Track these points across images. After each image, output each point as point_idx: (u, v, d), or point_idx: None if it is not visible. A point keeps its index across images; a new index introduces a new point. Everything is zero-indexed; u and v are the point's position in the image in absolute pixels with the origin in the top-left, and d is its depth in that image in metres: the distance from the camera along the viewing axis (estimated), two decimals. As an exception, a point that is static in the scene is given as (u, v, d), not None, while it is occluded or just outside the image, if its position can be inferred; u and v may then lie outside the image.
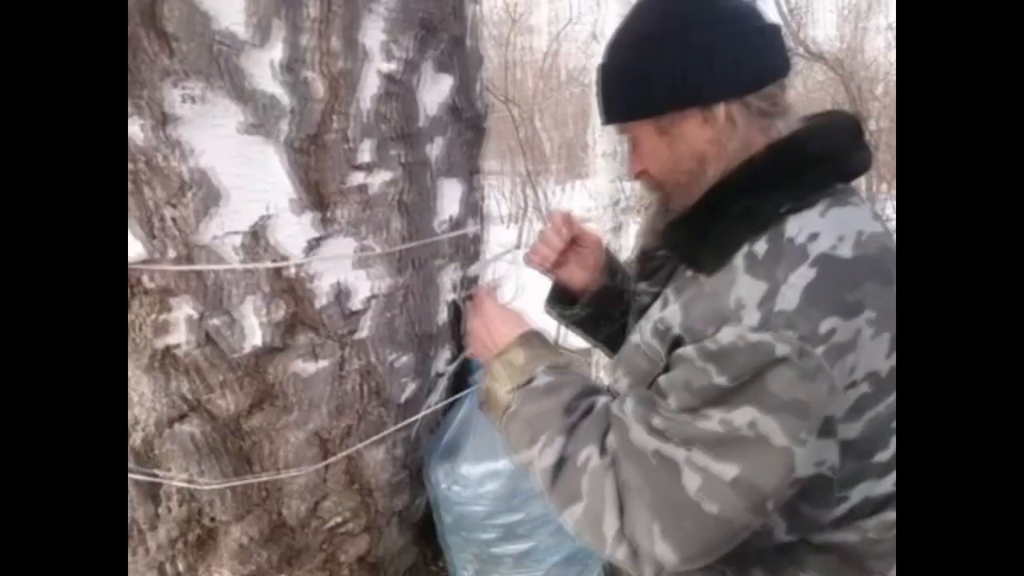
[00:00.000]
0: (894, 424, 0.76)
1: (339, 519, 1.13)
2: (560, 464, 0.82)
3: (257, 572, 1.13)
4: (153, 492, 1.08)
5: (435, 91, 0.87)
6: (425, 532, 1.35)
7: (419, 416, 1.10)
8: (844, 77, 2.27)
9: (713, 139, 0.79)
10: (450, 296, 1.10)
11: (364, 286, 0.90)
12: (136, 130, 0.70)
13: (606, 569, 1.08)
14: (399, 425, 1.05)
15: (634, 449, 0.77)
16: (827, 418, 0.71)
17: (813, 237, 0.73)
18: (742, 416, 0.70)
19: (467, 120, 0.96)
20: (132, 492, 1.09)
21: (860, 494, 0.77)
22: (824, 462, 0.74)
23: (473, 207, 1.07)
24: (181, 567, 1.14)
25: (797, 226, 0.74)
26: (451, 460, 1.09)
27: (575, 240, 1.09)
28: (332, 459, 1.03)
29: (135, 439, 1.03)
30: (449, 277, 1.07)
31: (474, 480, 1.07)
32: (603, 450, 0.81)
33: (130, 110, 0.69)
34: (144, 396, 0.95)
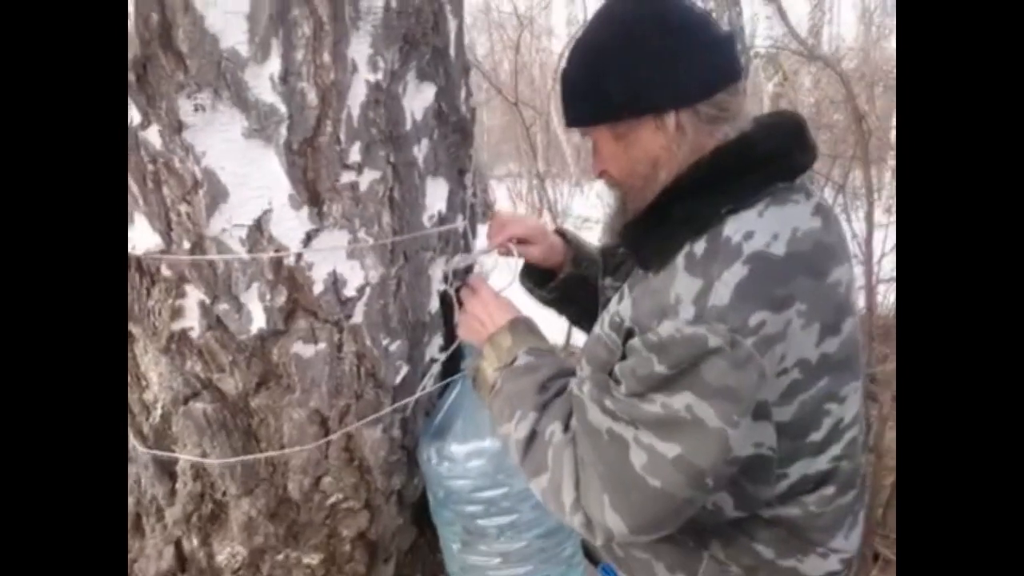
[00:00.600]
0: (826, 406, 0.82)
1: (340, 495, 1.21)
2: (531, 438, 0.90)
3: (264, 546, 1.22)
4: (170, 468, 1.18)
5: (419, 98, 0.97)
6: (424, 515, 1.43)
7: (414, 398, 1.19)
8: (844, 78, 2.32)
9: (665, 144, 0.85)
10: (441, 287, 1.18)
11: (357, 275, 1.00)
12: (155, 136, 0.81)
13: (584, 542, 1.16)
14: (395, 405, 1.14)
15: (590, 427, 0.84)
16: (761, 402, 0.77)
17: (748, 236, 0.77)
18: (680, 400, 0.75)
19: (452, 124, 1.06)
20: (151, 469, 1.19)
21: (798, 471, 0.84)
22: (762, 443, 0.81)
23: (461, 204, 1.16)
24: (196, 541, 1.24)
25: (735, 226, 0.78)
26: (441, 439, 1.18)
27: (524, 239, 1.17)
28: (332, 436, 1.12)
29: (154, 417, 1.13)
30: (439, 269, 1.16)
31: (461, 457, 1.15)
32: (567, 427, 0.88)
33: (150, 119, 0.79)
34: (162, 376, 1.06)
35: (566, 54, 0.94)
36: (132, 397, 1.12)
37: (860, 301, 0.94)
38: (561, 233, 1.25)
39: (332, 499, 1.21)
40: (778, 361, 0.76)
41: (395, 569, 1.41)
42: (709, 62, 0.84)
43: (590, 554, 1.12)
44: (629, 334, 0.83)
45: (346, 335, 1.04)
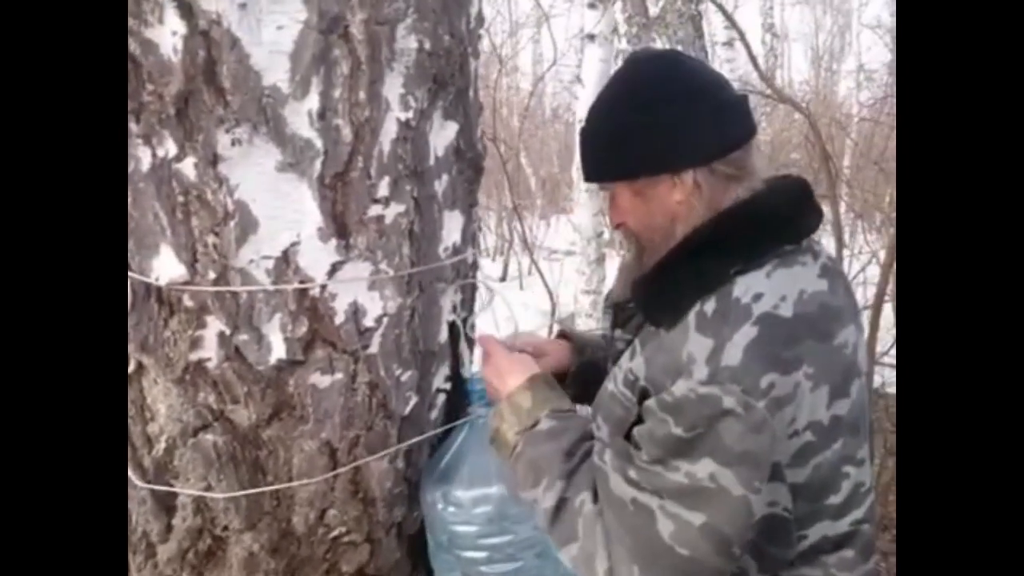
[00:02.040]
0: (844, 468, 0.83)
1: (343, 528, 1.20)
2: (559, 506, 0.90)
3: (264, 582, 1.20)
4: (168, 504, 1.16)
5: (443, 135, 1.00)
6: (419, 548, 1.42)
7: (425, 436, 1.19)
8: (811, 119, 2.45)
9: (682, 200, 0.88)
10: (450, 317, 1.20)
11: (377, 306, 1.01)
12: (189, 168, 0.82)
13: None
14: (410, 441, 1.15)
15: (614, 498, 0.84)
16: (774, 464, 0.78)
17: (757, 297, 0.80)
18: (703, 468, 0.77)
19: (468, 160, 1.09)
20: (148, 504, 1.16)
21: (818, 533, 0.85)
22: (777, 503, 0.82)
23: (472, 236, 1.19)
24: (187, 579, 1.21)
25: (744, 287, 0.81)
26: (447, 483, 1.17)
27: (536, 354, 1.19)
28: (342, 468, 1.11)
29: (157, 450, 1.11)
30: (450, 299, 1.18)
31: (467, 503, 1.14)
32: (596, 496, 0.89)
33: (186, 151, 0.81)
34: (172, 408, 1.04)
35: (588, 112, 0.98)
36: (135, 430, 1.10)
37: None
38: (562, 334, 1.28)
39: (335, 532, 1.20)
40: (788, 423, 0.78)
41: (388, 605, 1.39)
42: (725, 123, 0.88)
43: None
44: (644, 394, 0.85)
45: (360, 365, 1.05)
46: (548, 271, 4.30)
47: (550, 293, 3.88)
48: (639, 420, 0.85)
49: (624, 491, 0.83)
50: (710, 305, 0.81)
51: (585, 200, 3.77)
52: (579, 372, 1.20)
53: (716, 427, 0.76)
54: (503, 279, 7.18)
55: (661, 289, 0.87)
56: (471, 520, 1.14)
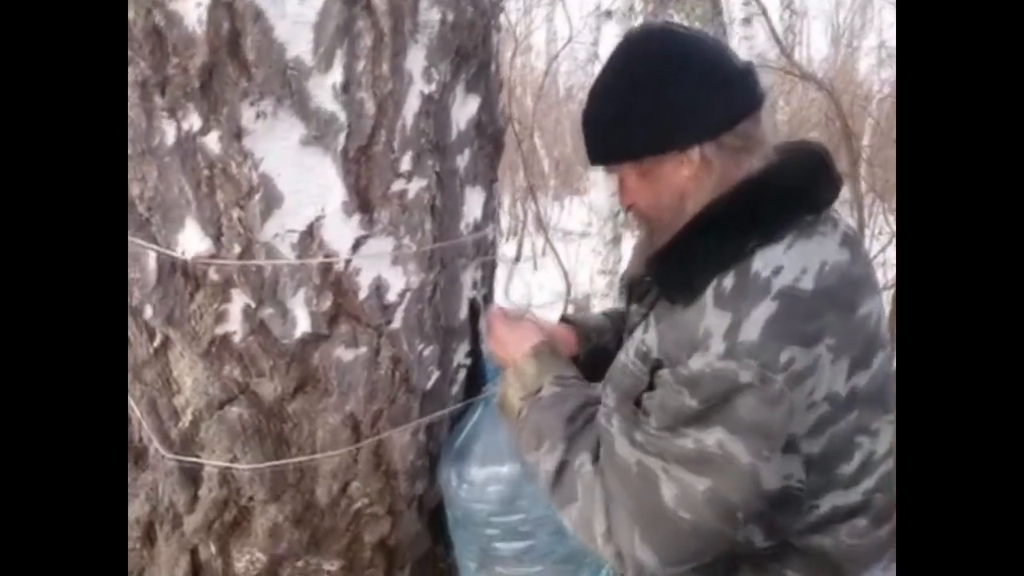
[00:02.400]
0: (857, 439, 0.82)
1: (365, 500, 1.21)
2: (560, 469, 0.92)
3: (287, 552, 1.22)
4: (194, 475, 1.18)
5: (465, 109, 1.00)
6: (439, 522, 1.44)
7: (447, 411, 1.20)
8: (834, 96, 2.39)
9: (691, 177, 0.85)
10: (471, 293, 1.21)
11: (399, 281, 1.02)
12: (214, 142, 0.82)
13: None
14: (431, 416, 1.16)
15: (618, 461, 0.84)
16: (790, 437, 0.77)
17: (777, 271, 0.78)
18: (712, 436, 0.76)
19: (489, 135, 1.09)
20: (175, 476, 1.19)
21: (829, 503, 0.83)
22: (791, 476, 0.80)
23: (492, 213, 1.19)
24: (214, 549, 1.23)
25: (763, 261, 0.79)
26: (461, 462, 1.19)
27: None
28: (365, 441, 1.13)
29: (184, 422, 1.13)
30: (470, 276, 1.19)
31: (480, 481, 1.15)
32: (596, 458, 0.89)
33: (210, 125, 0.81)
34: (198, 381, 1.06)
35: (588, 95, 0.94)
36: (161, 402, 1.11)
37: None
38: (565, 320, 1.27)
39: (357, 504, 1.22)
40: (807, 396, 0.77)
41: (408, 578, 1.41)
42: (729, 94, 0.85)
43: None
44: (657, 365, 0.84)
45: (384, 340, 1.06)
46: (563, 252, 4.28)
47: (565, 273, 3.87)
48: (649, 390, 0.85)
49: (629, 454, 0.83)
50: (728, 280, 0.80)
51: (601, 180, 3.75)
52: (588, 359, 1.19)
53: (732, 401, 0.75)
54: (517, 260, 7.17)
55: (677, 265, 0.85)
56: (484, 498, 1.15)
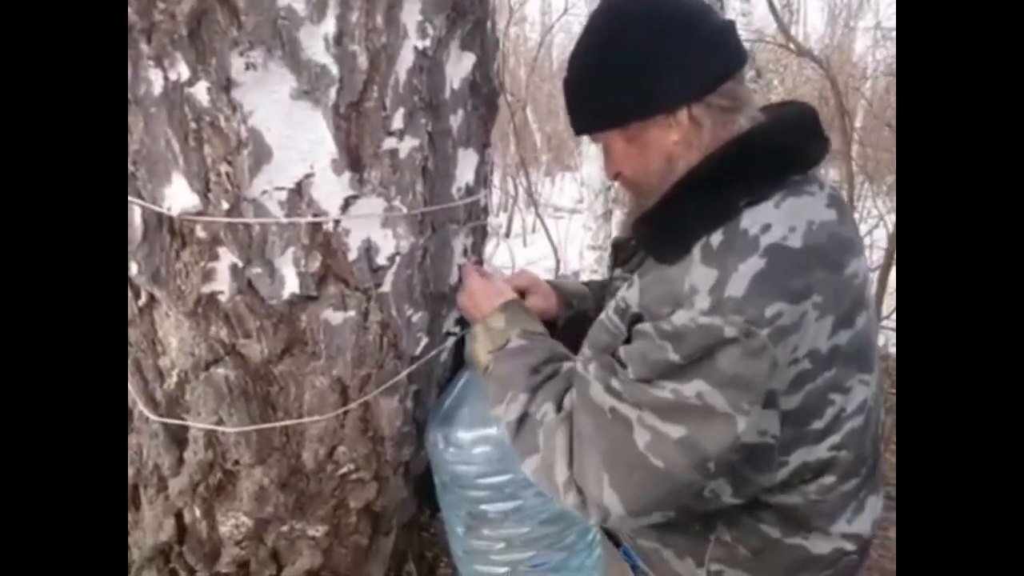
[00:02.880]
0: (831, 395, 0.82)
1: (352, 465, 1.21)
2: (522, 419, 0.92)
3: (272, 516, 1.22)
4: (180, 437, 1.17)
5: (459, 68, 0.97)
6: (425, 488, 1.44)
7: (435, 376, 1.20)
8: (831, 74, 2.38)
9: (679, 139, 0.84)
10: (461, 260, 1.19)
11: (389, 244, 1.00)
12: (202, 93, 0.80)
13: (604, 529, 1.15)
14: (409, 370, 1.14)
15: (592, 404, 0.84)
16: (770, 391, 0.77)
17: (766, 228, 0.77)
18: (691, 387, 0.76)
19: (483, 96, 1.07)
20: (160, 437, 1.18)
21: (798, 459, 0.84)
22: (767, 431, 0.80)
23: (484, 178, 1.17)
24: (199, 512, 1.23)
25: (751, 218, 0.78)
26: (448, 425, 1.19)
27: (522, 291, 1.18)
28: (352, 404, 1.12)
29: (169, 383, 1.12)
30: (461, 242, 1.17)
31: (467, 443, 1.15)
32: (559, 407, 0.89)
33: (198, 75, 0.78)
34: (184, 341, 1.04)
35: (568, 61, 0.91)
36: (147, 363, 1.10)
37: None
38: (548, 284, 1.26)
39: (343, 469, 1.22)
40: (791, 351, 0.76)
41: (393, 543, 1.42)
42: (714, 53, 0.83)
43: (612, 535, 1.11)
44: (636, 319, 0.83)
45: (373, 304, 1.05)
46: (553, 229, 4.26)
47: (555, 249, 3.86)
48: (627, 344, 0.84)
49: (603, 399, 0.83)
50: (716, 238, 0.79)
51: (594, 153, 3.72)
52: (568, 323, 1.20)
53: (715, 354, 0.75)
54: (507, 235, 7.14)
55: (666, 225, 0.84)
56: (471, 460, 1.15)
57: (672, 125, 0.84)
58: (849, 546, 0.91)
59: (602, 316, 0.91)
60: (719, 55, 0.84)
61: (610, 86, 0.85)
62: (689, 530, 0.92)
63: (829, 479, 0.86)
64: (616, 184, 1.01)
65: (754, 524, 0.89)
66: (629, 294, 0.86)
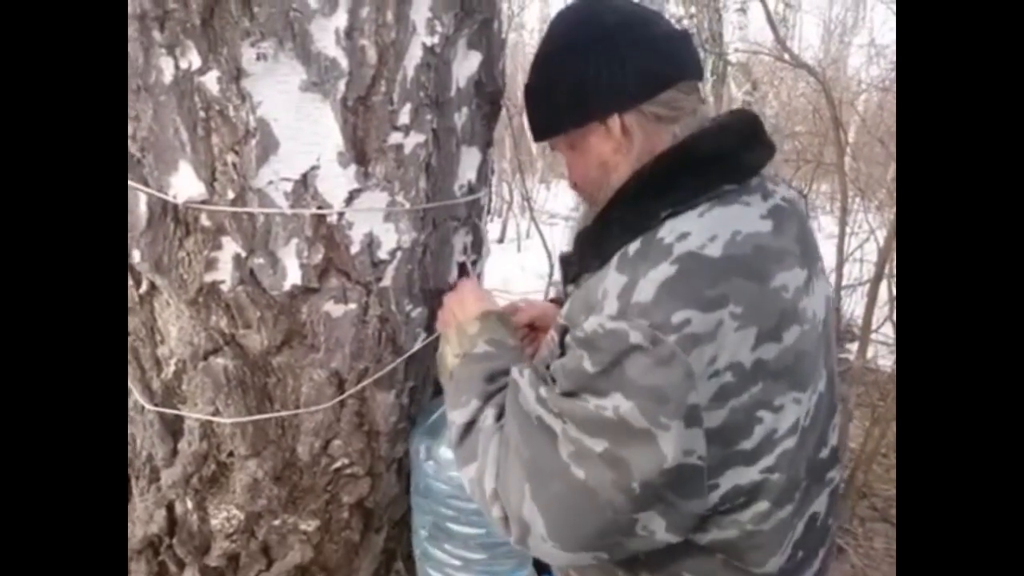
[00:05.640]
0: (758, 413, 0.78)
1: (346, 460, 1.21)
2: (468, 426, 0.90)
3: (264, 509, 1.22)
4: (175, 427, 1.17)
5: (465, 66, 0.99)
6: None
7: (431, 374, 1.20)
8: (826, 86, 2.41)
9: (615, 148, 0.84)
10: (460, 257, 1.20)
11: (391, 239, 1.01)
12: (212, 82, 0.81)
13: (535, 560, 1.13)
14: (403, 359, 1.14)
15: (520, 411, 0.82)
16: (692, 406, 0.73)
17: (682, 237, 0.76)
18: (609, 402, 0.73)
19: (488, 95, 1.08)
20: (156, 427, 1.18)
21: (729, 481, 0.79)
22: (693, 451, 0.75)
23: (485, 177, 1.19)
24: (190, 504, 1.23)
25: (670, 228, 0.77)
26: (432, 438, 1.19)
27: (532, 325, 1.19)
28: (348, 392, 1.12)
29: (166, 373, 1.12)
30: (461, 239, 1.18)
31: (445, 463, 1.15)
32: (499, 415, 0.87)
33: (209, 64, 0.79)
34: (183, 330, 1.04)
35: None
36: (145, 352, 1.10)
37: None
38: (554, 300, 1.26)
39: (338, 463, 1.22)
40: (708, 362, 0.73)
41: (383, 541, 1.42)
42: (650, 60, 0.82)
43: (538, 562, 1.10)
44: (564, 331, 0.82)
45: (373, 298, 1.05)
46: (548, 235, 4.28)
47: (549, 255, 3.87)
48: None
49: (532, 407, 0.81)
50: (634, 246, 0.78)
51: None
52: None
53: (622, 362, 0.72)
54: (501, 241, 7.15)
55: (595, 238, 0.84)
56: (446, 480, 1.15)
57: (605, 132, 0.84)
58: None
59: (549, 332, 0.90)
60: (656, 64, 0.83)
61: (551, 94, 0.87)
62: (611, 574, 0.89)
63: (763, 505, 0.81)
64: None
65: (679, 573, 0.85)
66: (564, 310, 0.85)
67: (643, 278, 0.74)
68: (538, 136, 0.93)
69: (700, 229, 0.76)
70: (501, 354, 0.97)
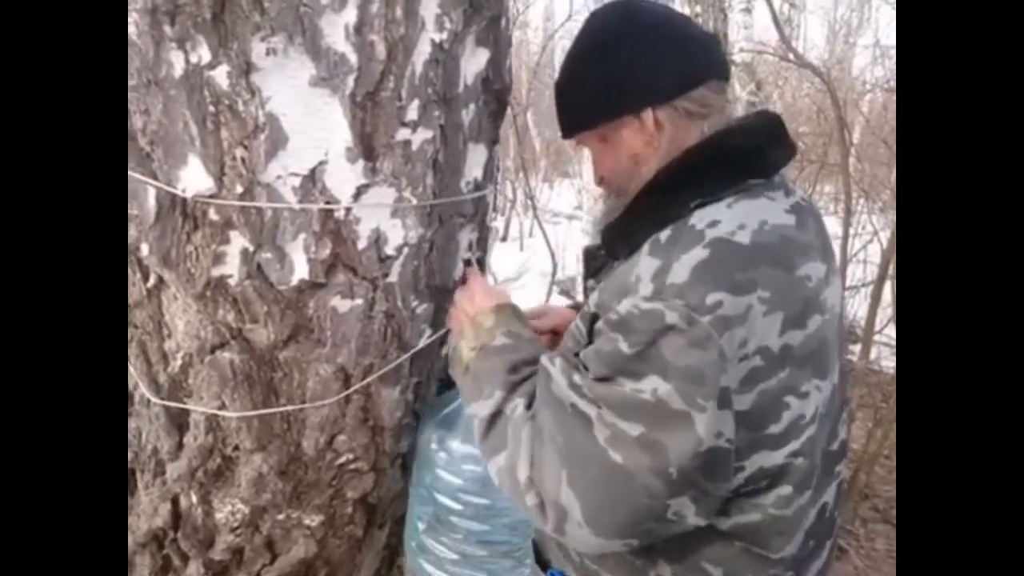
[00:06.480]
0: (786, 398, 0.80)
1: (351, 455, 1.22)
2: (494, 417, 0.89)
3: (269, 504, 1.22)
4: (181, 421, 1.17)
5: (473, 62, 0.99)
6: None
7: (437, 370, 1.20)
8: (831, 86, 2.41)
9: (647, 141, 0.88)
10: (466, 254, 1.20)
11: (398, 234, 1.01)
12: (222, 76, 0.81)
13: (535, 543, 1.11)
14: (409, 354, 1.14)
15: (553, 399, 0.83)
16: (723, 388, 0.75)
17: (713, 224, 0.79)
18: (647, 384, 0.75)
19: (495, 92, 1.08)
20: (162, 420, 1.18)
21: (755, 464, 0.81)
22: (722, 434, 0.77)
23: (491, 174, 1.19)
24: (195, 498, 1.23)
25: (700, 216, 0.80)
26: (445, 429, 1.18)
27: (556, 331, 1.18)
28: (354, 387, 1.12)
29: (173, 367, 1.12)
30: (467, 236, 1.19)
31: (458, 456, 1.15)
32: (529, 404, 0.88)
33: (219, 58, 0.79)
34: (190, 324, 1.05)
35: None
36: (152, 345, 1.11)
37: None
38: (575, 307, 1.25)
39: (342, 459, 1.22)
40: (739, 345, 0.75)
41: (386, 537, 1.43)
42: (684, 59, 0.87)
43: (540, 558, 1.07)
44: (594, 319, 0.83)
45: (379, 293, 1.06)
46: (551, 233, 4.28)
47: (552, 254, 3.87)
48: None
49: (565, 394, 0.82)
50: (665, 233, 0.81)
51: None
52: None
53: (658, 343, 0.74)
54: (504, 239, 7.15)
55: (624, 228, 0.87)
56: (458, 473, 1.15)
57: (638, 126, 0.87)
58: (783, 572, 0.87)
59: (571, 327, 0.92)
60: (689, 62, 0.87)
61: (583, 89, 0.90)
62: (631, 564, 0.89)
63: (786, 489, 0.83)
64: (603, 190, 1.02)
65: (697, 562, 0.85)
66: (591, 299, 0.87)
67: (677, 261, 0.76)
68: (571, 130, 0.96)
69: (729, 218, 0.79)
70: (520, 346, 0.98)
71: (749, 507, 0.83)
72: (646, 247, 0.81)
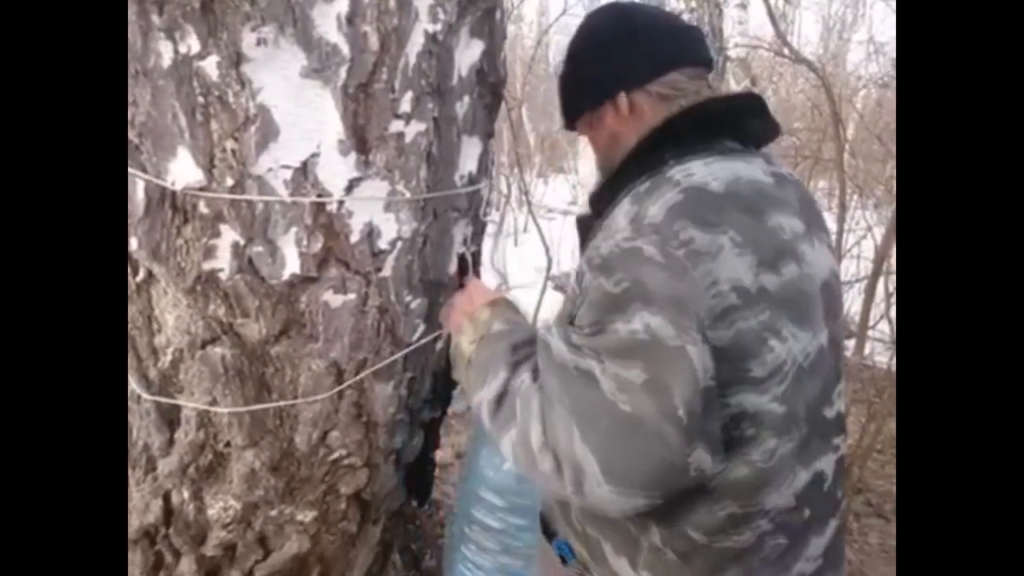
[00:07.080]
0: (769, 341, 0.81)
1: (344, 451, 1.21)
2: (501, 395, 0.90)
3: (261, 500, 1.21)
4: (172, 417, 1.16)
5: (468, 54, 0.98)
6: (415, 477, 1.44)
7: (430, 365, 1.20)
8: (825, 81, 2.41)
9: (624, 121, 0.96)
10: (460, 249, 1.20)
11: (391, 228, 1.00)
12: (212, 67, 0.80)
13: (541, 515, 1.12)
14: (404, 352, 1.14)
15: (555, 364, 0.84)
16: (700, 321, 0.76)
17: (688, 175, 0.84)
18: (637, 321, 0.76)
19: (490, 85, 1.07)
20: (152, 416, 1.17)
21: (739, 404, 0.81)
22: (708, 370, 0.78)
23: (486, 168, 1.18)
24: (187, 494, 1.22)
25: (677, 169, 0.85)
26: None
27: None
28: (347, 382, 1.11)
29: (163, 362, 1.11)
30: (461, 231, 1.17)
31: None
32: (535, 376, 0.88)
33: (209, 49, 0.78)
34: (180, 319, 1.04)
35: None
36: (142, 341, 1.09)
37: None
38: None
39: (335, 455, 1.22)
40: (711, 281, 0.77)
41: (380, 533, 1.42)
42: (658, 45, 0.95)
43: (547, 529, 1.08)
44: (580, 275, 0.86)
45: (372, 288, 1.05)
46: (545, 229, 4.26)
47: (547, 249, 3.86)
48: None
49: (566, 358, 0.83)
50: (644, 185, 0.86)
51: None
52: None
53: (640, 276, 0.77)
54: (497, 234, 7.14)
55: (607, 186, 0.93)
56: (507, 474, 1.23)
57: (617, 110, 0.96)
58: (769, 526, 0.87)
59: (568, 290, 0.94)
60: (663, 48, 0.95)
61: (573, 82, 1.02)
62: (626, 531, 0.90)
63: (771, 442, 0.84)
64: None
65: (683, 529, 0.87)
66: (582, 258, 0.90)
67: (652, 204, 0.81)
68: (566, 119, 1.06)
69: (705, 172, 0.84)
70: (518, 328, 1.01)
71: (738, 460, 0.83)
72: (627, 199, 0.86)
